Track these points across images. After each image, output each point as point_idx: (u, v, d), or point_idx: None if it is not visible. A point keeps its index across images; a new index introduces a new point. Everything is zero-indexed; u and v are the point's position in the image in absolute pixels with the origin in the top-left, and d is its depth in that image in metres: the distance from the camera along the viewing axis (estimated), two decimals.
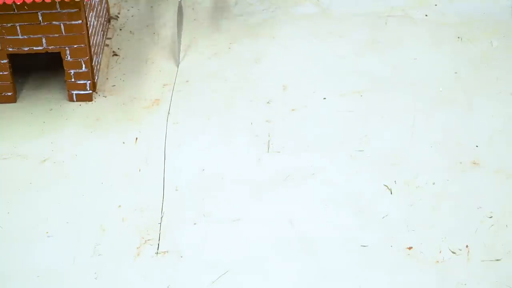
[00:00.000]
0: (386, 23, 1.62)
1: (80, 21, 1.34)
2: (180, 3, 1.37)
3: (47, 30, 1.34)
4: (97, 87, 1.46)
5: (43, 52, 1.37)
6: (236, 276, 1.10)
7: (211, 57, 1.55)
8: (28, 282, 1.09)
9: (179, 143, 1.34)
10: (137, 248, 1.14)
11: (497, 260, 1.12)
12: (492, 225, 1.17)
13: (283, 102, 1.42)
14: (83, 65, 1.39)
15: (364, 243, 1.14)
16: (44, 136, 1.35)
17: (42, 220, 1.19)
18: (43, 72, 1.49)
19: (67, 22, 1.34)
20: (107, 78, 1.49)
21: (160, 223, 1.18)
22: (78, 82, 1.41)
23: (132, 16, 1.68)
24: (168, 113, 1.40)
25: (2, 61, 1.37)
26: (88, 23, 1.38)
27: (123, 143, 1.34)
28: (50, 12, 1.32)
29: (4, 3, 1.28)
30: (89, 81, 1.41)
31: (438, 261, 1.12)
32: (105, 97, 1.44)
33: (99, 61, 1.49)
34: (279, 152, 1.31)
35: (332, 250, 1.14)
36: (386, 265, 1.12)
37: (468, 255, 1.13)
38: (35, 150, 1.32)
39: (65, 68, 1.39)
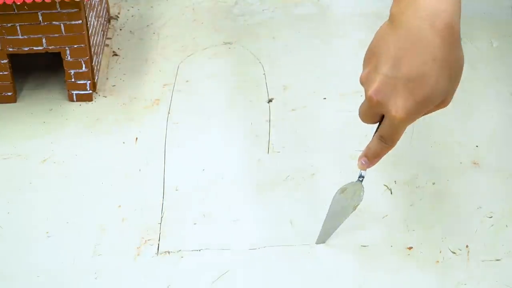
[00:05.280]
0: None
1: (80, 21, 1.34)
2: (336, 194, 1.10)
3: (47, 30, 1.34)
4: (97, 87, 1.46)
5: (43, 52, 1.37)
6: (236, 276, 1.10)
7: (211, 57, 1.55)
8: (28, 282, 1.09)
9: (179, 143, 1.34)
10: (137, 248, 1.14)
11: (497, 260, 1.12)
12: (492, 225, 1.17)
13: (283, 102, 1.42)
14: (83, 65, 1.39)
15: (364, 243, 1.14)
16: (44, 136, 1.35)
17: (42, 220, 1.19)
18: (43, 72, 1.49)
19: (67, 22, 1.34)
20: (107, 78, 1.49)
21: (160, 223, 1.18)
22: (78, 82, 1.41)
23: (132, 16, 1.68)
24: (168, 113, 1.40)
25: (2, 61, 1.37)
26: (88, 23, 1.38)
27: (123, 143, 1.34)
28: (50, 12, 1.32)
29: (4, 3, 1.28)
30: (89, 81, 1.41)
31: (438, 261, 1.12)
32: (105, 97, 1.44)
33: (99, 61, 1.49)
34: (279, 152, 1.31)
35: (332, 250, 1.14)
36: (386, 265, 1.11)
37: (468, 255, 1.13)
38: (35, 150, 1.32)
39: (65, 68, 1.39)
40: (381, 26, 0.94)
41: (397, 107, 0.87)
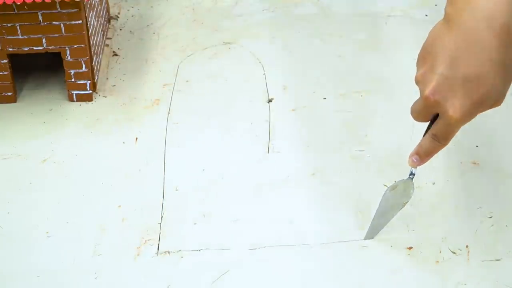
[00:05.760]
0: (386, 23, 1.62)
1: (80, 21, 1.34)
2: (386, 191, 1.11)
3: (47, 30, 1.34)
4: (97, 87, 1.46)
5: (43, 52, 1.37)
6: (236, 276, 1.10)
7: (211, 57, 1.55)
8: (28, 282, 1.09)
9: (179, 143, 1.34)
10: (137, 248, 1.14)
11: (497, 260, 1.12)
12: (492, 225, 1.17)
13: (283, 102, 1.42)
14: (83, 65, 1.39)
15: (364, 243, 1.14)
16: (44, 136, 1.35)
17: (42, 220, 1.19)
18: (43, 72, 1.49)
19: (67, 22, 1.34)
20: (107, 78, 1.49)
21: (160, 223, 1.18)
22: (78, 82, 1.41)
23: (132, 16, 1.68)
24: (168, 113, 1.40)
25: (2, 61, 1.37)
26: (88, 23, 1.38)
27: (123, 143, 1.34)
28: (50, 12, 1.32)
29: (4, 3, 1.28)
30: (89, 81, 1.41)
31: (438, 261, 1.12)
32: (105, 97, 1.44)
33: (99, 61, 1.49)
34: (279, 152, 1.31)
35: (332, 250, 1.14)
36: (386, 265, 1.11)
37: (468, 255, 1.13)
38: (35, 150, 1.32)
39: (65, 68, 1.39)
40: (435, 25, 0.94)
41: (454, 107, 0.88)
